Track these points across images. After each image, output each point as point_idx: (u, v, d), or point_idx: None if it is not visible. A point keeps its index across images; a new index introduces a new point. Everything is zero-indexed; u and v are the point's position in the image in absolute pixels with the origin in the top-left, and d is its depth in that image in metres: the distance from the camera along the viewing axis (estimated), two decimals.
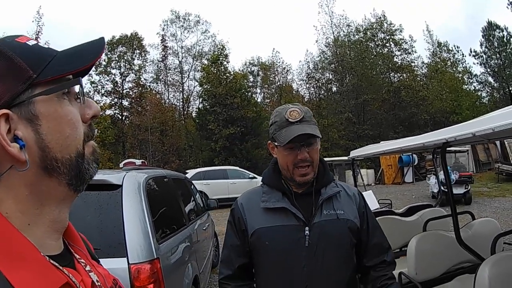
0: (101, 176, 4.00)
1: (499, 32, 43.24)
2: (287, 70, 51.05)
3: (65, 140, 0.92)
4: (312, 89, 49.02)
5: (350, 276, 2.25)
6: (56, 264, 0.89)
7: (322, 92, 48.28)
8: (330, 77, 47.93)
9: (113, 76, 44.42)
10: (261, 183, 2.42)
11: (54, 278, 0.86)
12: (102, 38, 1.04)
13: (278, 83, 50.60)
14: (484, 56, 44.45)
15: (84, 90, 1.00)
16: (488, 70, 44.92)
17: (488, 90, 46.64)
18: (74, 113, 0.95)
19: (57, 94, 0.92)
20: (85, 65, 0.95)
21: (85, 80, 1.04)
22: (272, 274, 2.23)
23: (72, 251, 1.03)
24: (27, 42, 0.93)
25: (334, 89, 48.19)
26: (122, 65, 45.37)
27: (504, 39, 42.70)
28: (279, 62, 50.75)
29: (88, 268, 1.02)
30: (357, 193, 2.41)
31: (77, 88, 0.98)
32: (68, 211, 1.00)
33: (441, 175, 14.01)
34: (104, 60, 44.47)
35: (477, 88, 46.82)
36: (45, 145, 0.89)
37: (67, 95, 0.95)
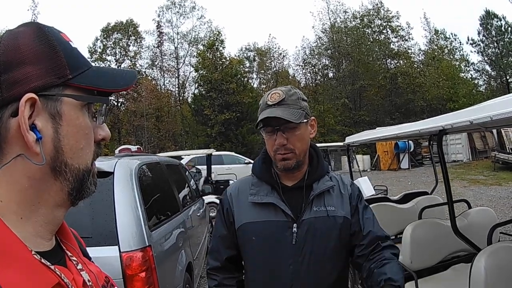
0: None
1: (496, 21, 43.17)
2: (284, 56, 50.95)
3: (78, 150, 0.92)
4: (309, 74, 49.06)
5: (338, 275, 2.14)
6: (48, 264, 0.86)
7: (319, 77, 48.28)
8: (327, 62, 47.91)
9: (108, 63, 44.03)
10: (251, 173, 2.32)
11: (44, 279, 0.83)
12: (135, 72, 1.08)
13: (274, 69, 50.55)
14: (481, 44, 44.42)
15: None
16: (486, 58, 44.94)
17: (485, 79, 46.73)
18: (91, 129, 0.96)
19: (82, 104, 0.93)
20: (115, 88, 0.98)
21: None
22: (257, 270, 2.15)
23: (64, 248, 1.00)
24: (69, 42, 0.95)
25: (331, 74, 48.18)
26: (117, 51, 45.25)
27: (502, 28, 42.66)
28: (276, 48, 50.62)
29: (79, 266, 0.99)
30: (350, 184, 2.28)
31: (94, 107, 0.99)
32: (63, 217, 0.98)
33: None
34: (100, 47, 44.40)
35: (474, 76, 46.88)
36: (60, 146, 0.89)
37: (87, 109, 0.95)
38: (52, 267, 0.86)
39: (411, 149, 29.76)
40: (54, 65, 0.87)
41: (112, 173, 3.87)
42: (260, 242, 2.11)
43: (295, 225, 2.07)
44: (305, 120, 2.07)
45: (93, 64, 0.99)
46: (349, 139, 7.47)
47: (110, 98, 1.03)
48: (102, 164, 3.94)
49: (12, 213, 0.84)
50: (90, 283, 0.98)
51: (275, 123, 2.03)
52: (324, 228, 2.08)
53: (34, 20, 34.35)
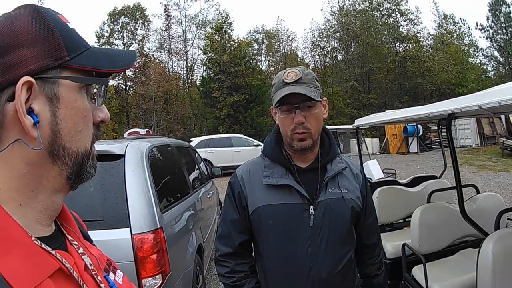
0: (103, 146, 3.97)
1: (506, 8, 42.97)
2: (292, 38, 51.01)
3: (77, 133, 0.90)
4: (317, 57, 48.94)
5: (351, 255, 2.16)
6: (48, 249, 0.84)
7: (327, 60, 48.17)
8: (335, 45, 47.75)
9: (116, 47, 43.79)
10: (262, 154, 2.26)
11: (45, 265, 0.82)
12: (135, 52, 1.06)
13: (283, 51, 50.48)
14: (490, 30, 44.30)
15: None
16: (494, 44, 44.73)
17: (494, 64, 46.61)
18: (90, 111, 0.94)
19: (80, 86, 0.90)
20: (114, 69, 0.96)
21: None
22: (275, 254, 2.11)
23: (65, 232, 0.99)
24: (67, 23, 0.92)
25: (339, 57, 48.05)
26: (125, 35, 45.25)
27: (511, 15, 42.40)
28: (284, 30, 50.66)
29: (81, 250, 0.97)
30: (360, 172, 2.28)
31: (93, 89, 0.97)
32: (62, 202, 0.96)
33: None
34: (107, 32, 44.42)
35: (482, 61, 46.78)
36: (58, 130, 0.86)
37: (86, 91, 0.93)
38: (53, 252, 0.85)
39: (420, 133, 29.61)
40: (51, 47, 0.85)
41: (123, 155, 3.87)
42: (278, 225, 2.07)
43: (311, 207, 2.05)
44: (320, 99, 2.06)
45: None
46: (359, 122, 7.42)
47: (110, 79, 1.01)
48: (113, 147, 3.96)
49: (11, 199, 0.83)
50: (92, 266, 0.96)
51: (293, 101, 2.00)
52: (339, 209, 2.08)
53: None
